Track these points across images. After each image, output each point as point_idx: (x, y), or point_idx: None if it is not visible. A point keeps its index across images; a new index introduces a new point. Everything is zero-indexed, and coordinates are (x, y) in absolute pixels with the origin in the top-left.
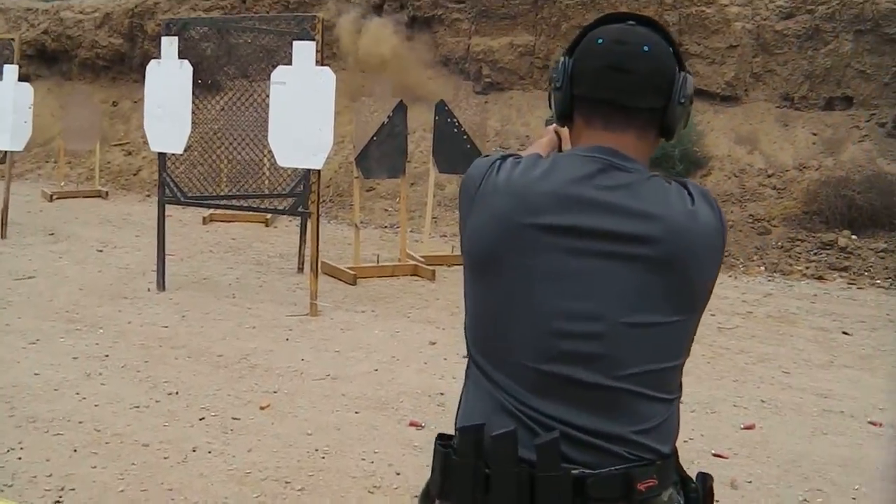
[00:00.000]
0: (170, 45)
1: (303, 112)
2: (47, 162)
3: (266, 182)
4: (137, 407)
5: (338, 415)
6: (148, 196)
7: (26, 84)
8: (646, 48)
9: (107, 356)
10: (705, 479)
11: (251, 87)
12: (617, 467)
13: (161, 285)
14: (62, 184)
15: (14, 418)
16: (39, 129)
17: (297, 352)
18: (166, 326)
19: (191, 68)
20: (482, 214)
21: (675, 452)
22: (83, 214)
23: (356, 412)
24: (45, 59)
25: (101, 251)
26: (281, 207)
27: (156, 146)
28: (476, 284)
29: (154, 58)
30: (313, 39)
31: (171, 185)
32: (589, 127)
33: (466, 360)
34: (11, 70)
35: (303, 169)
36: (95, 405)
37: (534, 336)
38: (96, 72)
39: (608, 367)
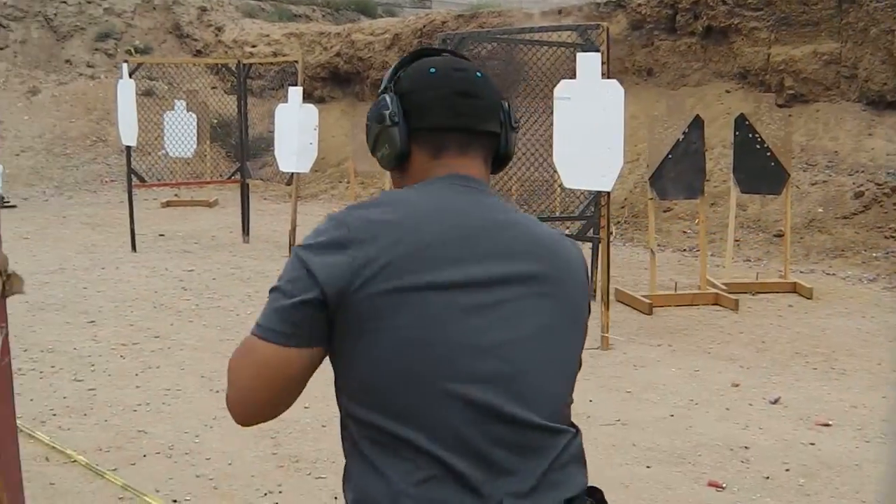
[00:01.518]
0: None
1: (589, 129)
2: (340, 182)
3: (558, 203)
4: None
5: (627, 469)
6: None
7: (311, 106)
8: (479, 74)
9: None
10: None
11: (542, 103)
12: None
13: None
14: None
15: (277, 457)
16: (333, 150)
17: (584, 391)
18: None
19: None
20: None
21: None
22: None
23: (647, 466)
24: (338, 82)
25: None
26: (572, 231)
27: None
28: None
29: None
30: (598, 50)
31: None
32: (437, 158)
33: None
34: (296, 92)
35: (593, 191)
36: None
37: None
38: None
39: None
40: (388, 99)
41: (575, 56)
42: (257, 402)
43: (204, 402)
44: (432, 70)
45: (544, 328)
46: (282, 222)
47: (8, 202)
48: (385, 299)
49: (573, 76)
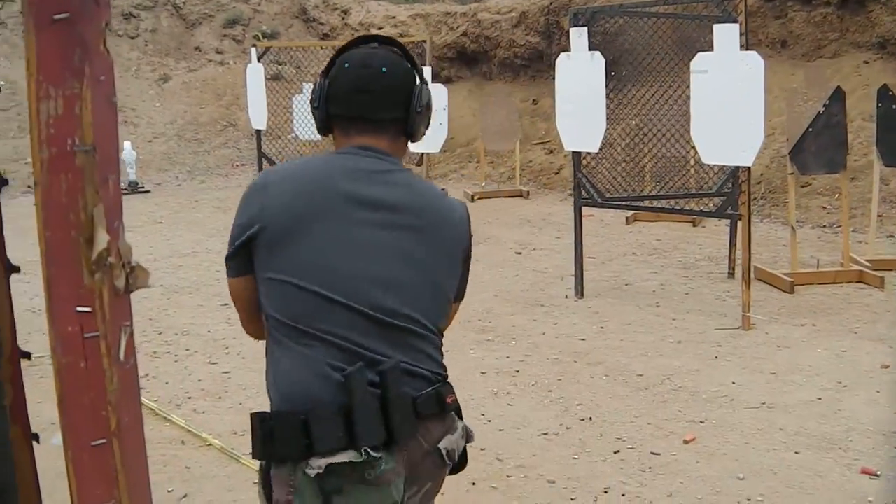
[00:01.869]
0: (579, 36)
1: (728, 103)
2: (469, 162)
3: (692, 180)
4: (546, 434)
5: (774, 454)
6: (570, 195)
7: (439, 86)
8: (384, 69)
9: (517, 372)
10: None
11: (674, 78)
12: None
13: (579, 292)
14: (483, 184)
15: None
16: (462, 129)
17: (726, 373)
18: (583, 339)
19: (602, 60)
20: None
21: None
22: (503, 215)
23: (796, 452)
24: (465, 61)
25: (519, 254)
26: (707, 207)
27: (570, 145)
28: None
29: None
30: (736, 21)
31: (587, 185)
32: (347, 137)
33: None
34: (424, 72)
35: (731, 166)
36: (500, 430)
37: None
38: (515, 71)
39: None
40: (318, 83)
41: (711, 28)
42: (242, 320)
43: None
44: (346, 65)
45: (418, 262)
46: None
47: (142, 187)
48: (286, 231)
49: (707, 49)
